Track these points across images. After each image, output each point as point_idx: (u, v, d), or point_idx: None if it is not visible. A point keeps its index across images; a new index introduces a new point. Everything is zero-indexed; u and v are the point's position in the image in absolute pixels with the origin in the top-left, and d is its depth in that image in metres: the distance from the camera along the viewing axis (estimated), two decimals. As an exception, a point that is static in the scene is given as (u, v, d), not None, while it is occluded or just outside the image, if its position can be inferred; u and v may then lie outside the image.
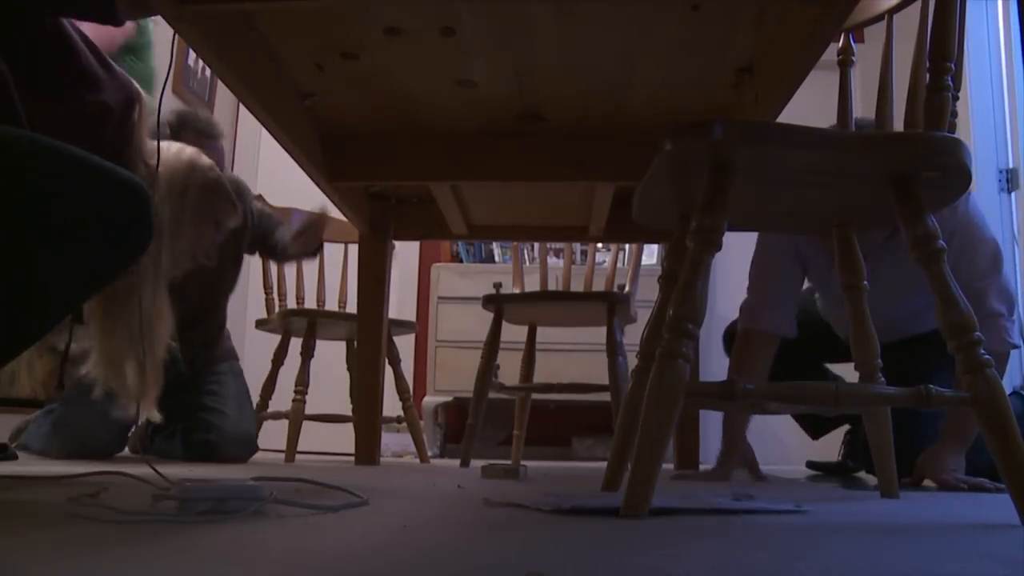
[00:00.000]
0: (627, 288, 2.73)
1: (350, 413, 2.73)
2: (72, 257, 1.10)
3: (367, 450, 2.46)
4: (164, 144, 1.44)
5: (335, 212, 2.46)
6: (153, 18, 1.43)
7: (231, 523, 0.80)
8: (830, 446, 2.57)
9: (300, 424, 2.68)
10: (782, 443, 3.12)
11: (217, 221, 1.58)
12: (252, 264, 2.97)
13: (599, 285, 2.83)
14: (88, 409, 2.19)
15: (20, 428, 2.45)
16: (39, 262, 1.06)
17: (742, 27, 1.57)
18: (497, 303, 2.71)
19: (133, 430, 2.17)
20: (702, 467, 2.44)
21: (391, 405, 2.85)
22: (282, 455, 2.63)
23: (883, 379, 1.35)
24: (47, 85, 1.23)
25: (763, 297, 2.00)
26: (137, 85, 1.40)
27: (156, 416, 1.49)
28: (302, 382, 2.76)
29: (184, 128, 2.24)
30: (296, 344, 2.75)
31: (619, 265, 3.19)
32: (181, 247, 1.50)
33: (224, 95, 3.77)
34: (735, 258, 2.35)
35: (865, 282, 1.36)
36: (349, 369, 2.93)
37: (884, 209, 1.20)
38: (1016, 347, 1.80)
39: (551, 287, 2.96)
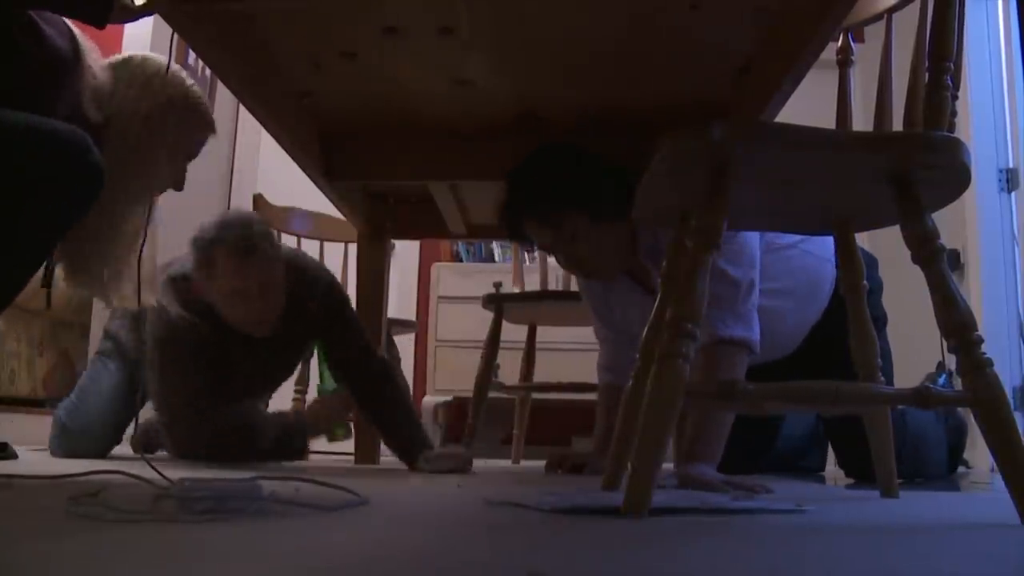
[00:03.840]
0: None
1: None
2: (23, 220, 1.11)
3: (367, 450, 2.46)
4: (135, 61, 1.44)
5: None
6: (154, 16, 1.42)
7: (231, 523, 0.80)
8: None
9: (300, 424, 2.67)
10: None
11: (193, 143, 1.57)
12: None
13: (599, 284, 2.82)
14: (88, 410, 2.22)
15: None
16: None
17: (741, 26, 1.57)
18: (497, 303, 2.71)
19: (134, 429, 2.17)
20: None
21: (391, 405, 2.84)
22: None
23: (883, 379, 1.35)
24: None
25: (613, 354, 2.08)
26: (71, 25, 1.37)
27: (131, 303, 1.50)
28: (302, 381, 2.76)
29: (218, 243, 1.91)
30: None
31: (619, 265, 3.19)
32: (155, 171, 1.48)
33: (224, 95, 3.76)
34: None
35: (865, 282, 1.36)
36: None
37: (883, 208, 1.20)
38: (737, 339, 1.51)
39: (551, 287, 2.96)
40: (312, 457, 2.98)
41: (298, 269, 2.12)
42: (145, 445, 2.36)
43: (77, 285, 1.44)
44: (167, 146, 1.49)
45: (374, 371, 2.17)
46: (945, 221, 1.29)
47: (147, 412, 2.59)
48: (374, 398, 2.14)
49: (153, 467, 1.24)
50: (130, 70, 1.46)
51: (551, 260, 2.34)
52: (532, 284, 2.96)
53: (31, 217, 1.15)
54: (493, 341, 2.72)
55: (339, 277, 3.02)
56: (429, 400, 4.02)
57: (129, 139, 1.43)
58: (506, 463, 2.95)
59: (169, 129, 1.48)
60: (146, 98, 1.45)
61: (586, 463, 2.02)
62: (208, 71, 3.66)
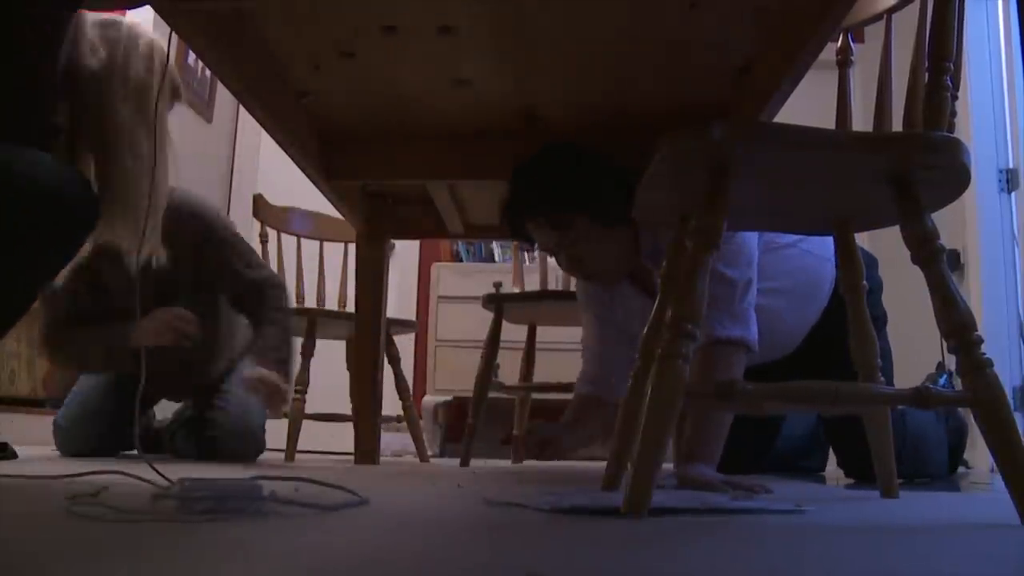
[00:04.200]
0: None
1: (350, 413, 2.73)
2: (24, 259, 1.14)
3: (367, 450, 2.46)
4: (126, 27, 1.44)
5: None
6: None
7: (231, 523, 0.80)
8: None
9: (300, 423, 2.68)
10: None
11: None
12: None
13: (599, 284, 2.82)
14: (83, 408, 2.24)
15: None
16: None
17: (741, 26, 1.57)
18: (497, 302, 2.71)
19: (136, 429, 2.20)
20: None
21: (391, 404, 2.85)
22: (282, 454, 2.63)
23: (883, 379, 1.35)
24: None
25: (598, 368, 1.99)
26: None
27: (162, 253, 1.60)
28: (302, 381, 2.76)
29: None
30: (296, 344, 2.74)
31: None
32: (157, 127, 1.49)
33: (224, 95, 3.77)
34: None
35: (864, 282, 1.36)
36: (349, 368, 2.92)
37: (883, 208, 1.20)
38: (734, 339, 1.51)
39: (551, 287, 2.96)
40: (312, 457, 2.99)
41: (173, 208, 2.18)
42: (148, 445, 2.38)
43: (119, 239, 1.45)
44: (160, 112, 1.50)
45: (249, 282, 2.28)
46: (945, 221, 1.29)
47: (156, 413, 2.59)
48: (250, 310, 2.30)
49: (153, 467, 1.24)
50: (126, 34, 1.46)
51: (551, 260, 2.33)
52: (532, 284, 2.96)
53: (30, 258, 1.17)
54: (493, 341, 2.72)
55: (339, 277, 3.04)
56: (429, 400, 4.02)
57: (133, 101, 1.43)
58: (506, 463, 2.95)
59: (164, 97, 1.50)
60: (150, 68, 1.46)
61: (557, 436, 1.94)
62: (208, 71, 3.66)
